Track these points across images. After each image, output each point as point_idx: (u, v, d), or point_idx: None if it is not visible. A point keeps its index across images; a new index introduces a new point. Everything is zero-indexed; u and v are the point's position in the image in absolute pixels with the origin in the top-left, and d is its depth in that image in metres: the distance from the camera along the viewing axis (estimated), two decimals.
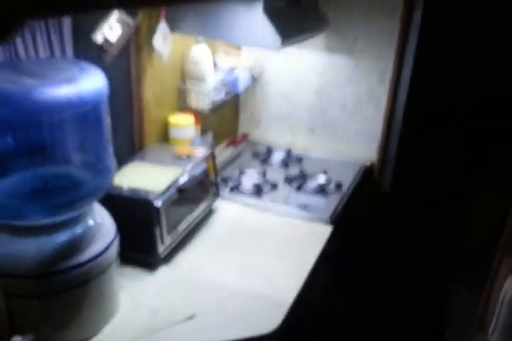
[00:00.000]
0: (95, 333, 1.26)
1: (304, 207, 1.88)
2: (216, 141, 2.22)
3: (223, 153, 2.21)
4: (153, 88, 1.76)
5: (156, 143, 1.81)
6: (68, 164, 1.22)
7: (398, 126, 2.24)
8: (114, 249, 1.28)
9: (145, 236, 1.46)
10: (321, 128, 2.35)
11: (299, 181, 2.05)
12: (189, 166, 1.63)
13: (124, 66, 1.65)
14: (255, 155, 2.27)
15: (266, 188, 1.98)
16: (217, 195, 1.80)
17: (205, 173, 1.69)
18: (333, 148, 2.34)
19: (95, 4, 0.93)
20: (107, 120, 1.23)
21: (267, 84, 2.34)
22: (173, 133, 1.85)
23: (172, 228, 1.52)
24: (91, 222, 1.24)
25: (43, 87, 1.06)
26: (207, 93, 1.88)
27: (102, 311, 1.28)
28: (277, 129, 2.41)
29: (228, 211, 1.83)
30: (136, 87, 1.71)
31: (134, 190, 1.46)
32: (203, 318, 1.34)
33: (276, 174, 2.10)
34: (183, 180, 1.57)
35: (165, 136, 1.87)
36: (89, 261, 1.19)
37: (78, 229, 1.21)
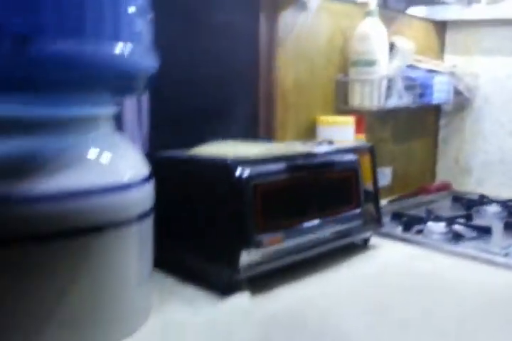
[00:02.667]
0: None
1: None
2: (398, 183, 1.54)
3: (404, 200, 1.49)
4: (293, 70, 1.24)
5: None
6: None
7: None
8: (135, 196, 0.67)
9: (216, 232, 0.82)
10: None
11: None
12: (321, 148, 0.99)
13: (251, 29, 1.18)
14: (456, 200, 1.49)
15: (468, 233, 1.17)
16: (377, 221, 1.08)
17: (352, 169, 1.02)
18: None
19: None
20: None
21: (481, 108, 1.63)
22: (321, 132, 1.25)
23: (273, 232, 0.85)
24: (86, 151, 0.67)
25: None
26: (376, 83, 1.28)
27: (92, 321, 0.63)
28: (499, 179, 1.61)
29: (393, 252, 1.08)
30: (265, 60, 1.20)
31: (210, 157, 0.88)
32: None
33: (488, 219, 1.30)
34: (305, 158, 0.93)
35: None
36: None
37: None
